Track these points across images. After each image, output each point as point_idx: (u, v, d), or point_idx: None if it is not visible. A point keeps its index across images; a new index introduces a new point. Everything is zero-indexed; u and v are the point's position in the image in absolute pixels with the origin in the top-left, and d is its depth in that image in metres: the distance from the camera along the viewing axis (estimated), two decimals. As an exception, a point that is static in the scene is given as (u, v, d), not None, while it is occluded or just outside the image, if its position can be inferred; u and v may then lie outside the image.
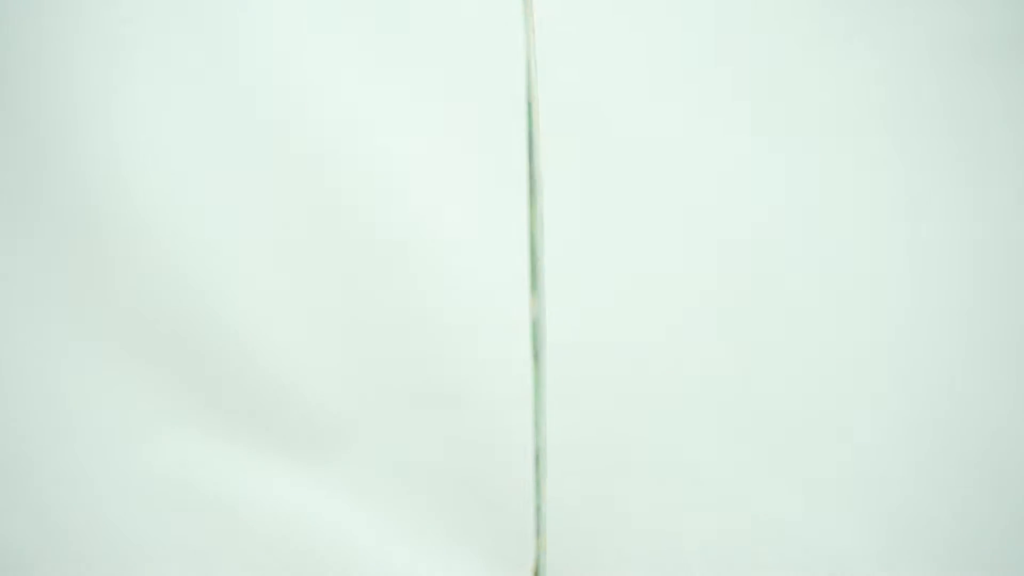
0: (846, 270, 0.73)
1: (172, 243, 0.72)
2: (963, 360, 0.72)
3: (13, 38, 0.71)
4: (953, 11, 0.70)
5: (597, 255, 0.69)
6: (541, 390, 0.40)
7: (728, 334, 0.72)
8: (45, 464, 0.70)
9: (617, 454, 0.66)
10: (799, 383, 0.73)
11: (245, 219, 0.73)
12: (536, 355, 0.41)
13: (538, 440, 0.40)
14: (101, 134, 0.72)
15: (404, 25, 0.75)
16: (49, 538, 0.69)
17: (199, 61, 0.73)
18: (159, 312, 0.72)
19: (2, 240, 0.71)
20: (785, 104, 0.73)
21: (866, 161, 0.73)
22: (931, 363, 0.72)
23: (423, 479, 0.71)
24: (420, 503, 0.71)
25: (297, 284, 0.73)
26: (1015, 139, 0.70)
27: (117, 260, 0.72)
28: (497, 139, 0.70)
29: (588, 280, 0.69)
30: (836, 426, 0.72)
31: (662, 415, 0.68)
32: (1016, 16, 0.69)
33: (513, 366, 0.66)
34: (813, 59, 0.73)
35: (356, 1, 0.73)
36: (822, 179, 0.74)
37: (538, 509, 0.39)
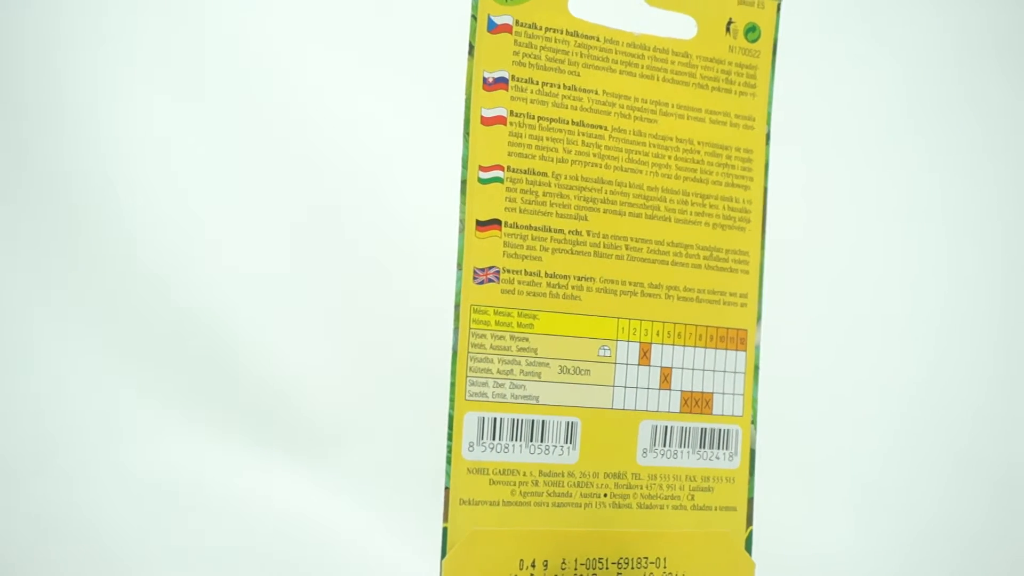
0: (846, 269, 0.75)
1: (172, 244, 0.71)
2: (966, 360, 0.72)
3: (14, 40, 0.70)
4: (964, 9, 0.72)
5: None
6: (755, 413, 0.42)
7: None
8: (45, 464, 0.69)
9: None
10: (797, 383, 0.73)
11: (246, 219, 0.72)
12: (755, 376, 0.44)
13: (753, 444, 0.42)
14: (101, 134, 0.71)
15: (404, 25, 0.74)
16: (49, 538, 0.67)
17: (200, 61, 0.72)
18: (160, 313, 0.71)
19: (4, 241, 0.70)
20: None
21: (862, 162, 0.74)
22: (932, 363, 0.73)
23: (423, 480, 0.66)
24: (420, 503, 0.68)
25: (298, 285, 0.73)
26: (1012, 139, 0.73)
27: (117, 260, 0.71)
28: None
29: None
30: (835, 426, 0.73)
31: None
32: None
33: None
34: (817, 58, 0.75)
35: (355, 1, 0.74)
36: (815, 179, 0.75)
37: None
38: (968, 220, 0.75)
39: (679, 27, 0.46)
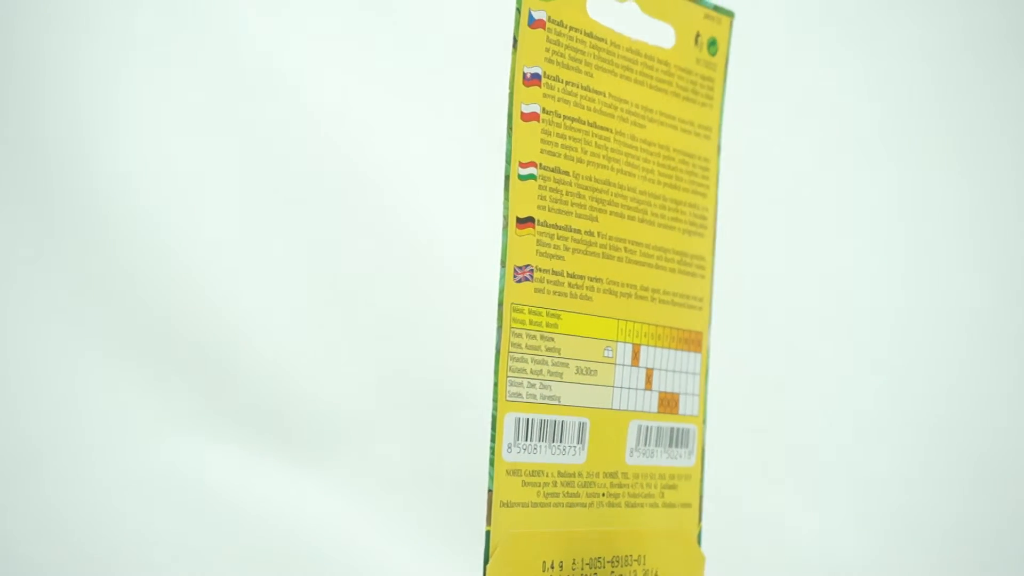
0: (845, 268, 0.73)
1: (172, 243, 0.71)
2: (963, 359, 0.72)
3: (13, 39, 0.69)
4: (949, 9, 0.70)
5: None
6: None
7: (733, 334, 0.68)
8: (46, 464, 0.68)
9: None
10: (801, 383, 0.73)
11: (245, 220, 0.72)
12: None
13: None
14: (101, 133, 0.70)
15: (407, 25, 0.73)
16: (49, 538, 0.66)
17: (200, 61, 0.71)
18: (159, 312, 0.71)
19: (2, 240, 0.69)
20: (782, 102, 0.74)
21: (866, 163, 0.74)
22: (931, 362, 0.72)
23: (423, 480, 0.70)
24: (420, 504, 0.70)
25: (297, 284, 0.72)
26: (1012, 137, 0.71)
27: (118, 260, 0.71)
28: (503, 140, 0.60)
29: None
30: (837, 426, 0.72)
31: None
32: (1013, 14, 0.69)
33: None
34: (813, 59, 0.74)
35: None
36: (819, 180, 0.74)
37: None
38: (918, 221, 0.75)
39: (662, 36, 0.47)
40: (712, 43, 0.48)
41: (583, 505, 0.43)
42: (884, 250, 0.75)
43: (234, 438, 0.71)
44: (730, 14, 0.49)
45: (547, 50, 0.42)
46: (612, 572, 0.44)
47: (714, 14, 0.48)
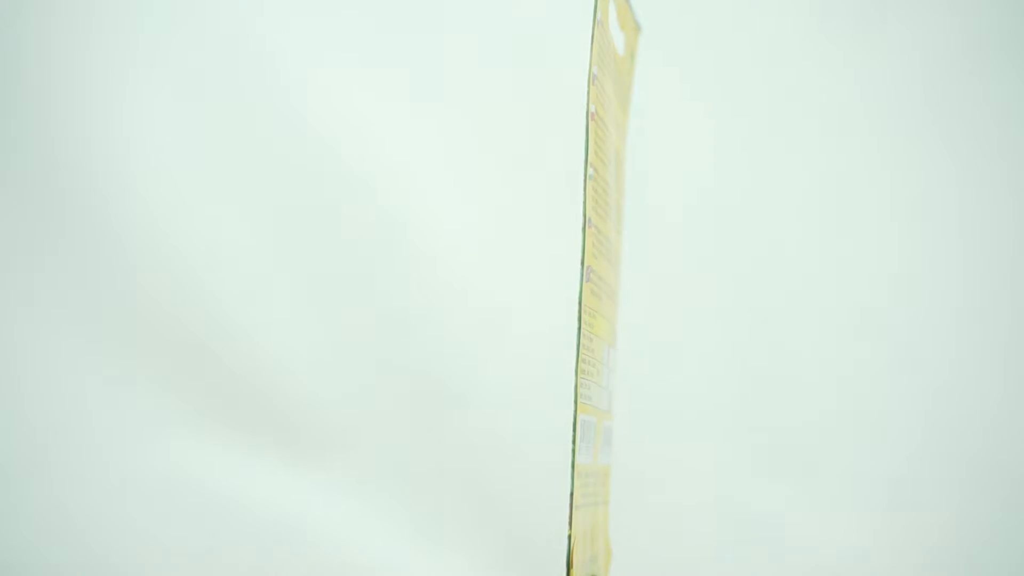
0: (846, 268, 0.71)
1: (172, 243, 0.69)
2: (965, 359, 0.71)
3: (14, 39, 0.68)
4: (945, 10, 0.71)
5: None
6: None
7: (733, 333, 0.71)
8: (45, 464, 0.67)
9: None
10: (802, 382, 0.71)
11: (245, 219, 0.70)
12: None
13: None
14: (101, 134, 0.69)
15: (409, 27, 0.71)
16: (49, 538, 0.66)
17: (201, 60, 0.70)
18: (160, 313, 0.69)
19: (2, 240, 0.69)
20: (781, 104, 0.72)
21: (863, 161, 0.72)
22: (933, 362, 0.71)
23: (424, 481, 0.69)
24: (420, 505, 0.69)
25: (297, 285, 0.70)
26: (1009, 138, 0.71)
27: (117, 260, 0.69)
28: (501, 140, 0.70)
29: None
30: (838, 426, 0.70)
31: (662, 415, 0.65)
32: (1009, 14, 0.70)
33: (514, 367, 0.67)
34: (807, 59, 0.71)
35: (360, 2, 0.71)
36: (820, 178, 0.72)
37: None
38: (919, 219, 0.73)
39: (619, 43, 0.48)
40: (633, 55, 0.50)
41: (587, 505, 0.44)
42: (877, 249, 0.72)
43: (237, 439, 0.68)
44: (639, 28, 0.51)
45: (596, 51, 0.42)
46: (593, 572, 0.45)
47: (636, 27, 0.50)
